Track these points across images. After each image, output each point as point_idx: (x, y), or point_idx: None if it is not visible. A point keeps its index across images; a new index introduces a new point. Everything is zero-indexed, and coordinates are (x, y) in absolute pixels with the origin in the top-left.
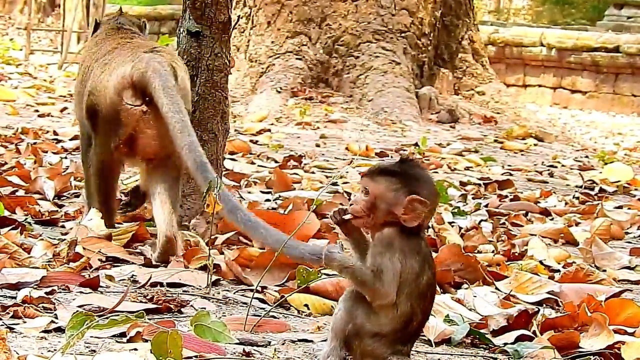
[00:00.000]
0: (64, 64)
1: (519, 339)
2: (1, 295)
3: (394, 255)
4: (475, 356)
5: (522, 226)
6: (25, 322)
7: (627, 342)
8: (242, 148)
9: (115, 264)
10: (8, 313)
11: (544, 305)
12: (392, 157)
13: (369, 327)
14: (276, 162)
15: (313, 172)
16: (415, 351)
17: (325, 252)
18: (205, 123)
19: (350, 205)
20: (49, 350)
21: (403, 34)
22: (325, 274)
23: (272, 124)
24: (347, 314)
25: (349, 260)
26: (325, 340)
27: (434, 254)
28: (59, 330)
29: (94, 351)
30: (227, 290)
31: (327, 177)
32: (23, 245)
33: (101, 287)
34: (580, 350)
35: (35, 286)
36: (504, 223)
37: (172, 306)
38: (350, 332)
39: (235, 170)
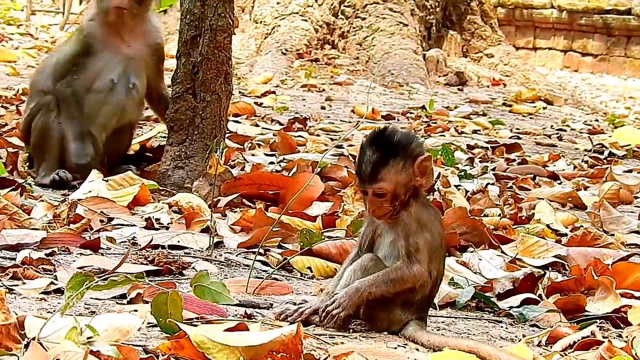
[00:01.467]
0: (65, 24)
1: (525, 302)
2: (1, 257)
3: (424, 228)
4: (480, 319)
5: (529, 190)
6: (24, 283)
7: (633, 305)
8: (246, 110)
9: (116, 226)
10: (7, 274)
11: (550, 268)
12: (398, 120)
13: (400, 297)
14: (281, 124)
15: (318, 135)
16: None
17: (340, 301)
18: (208, 84)
19: (373, 212)
20: (48, 312)
21: None
22: (328, 236)
23: (277, 86)
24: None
25: (368, 277)
26: (295, 304)
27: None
28: (59, 291)
29: (94, 312)
30: (229, 253)
31: (332, 139)
32: (23, 206)
33: (102, 249)
34: (586, 314)
35: (35, 247)
36: (511, 187)
37: (173, 268)
38: (375, 303)
39: (238, 132)
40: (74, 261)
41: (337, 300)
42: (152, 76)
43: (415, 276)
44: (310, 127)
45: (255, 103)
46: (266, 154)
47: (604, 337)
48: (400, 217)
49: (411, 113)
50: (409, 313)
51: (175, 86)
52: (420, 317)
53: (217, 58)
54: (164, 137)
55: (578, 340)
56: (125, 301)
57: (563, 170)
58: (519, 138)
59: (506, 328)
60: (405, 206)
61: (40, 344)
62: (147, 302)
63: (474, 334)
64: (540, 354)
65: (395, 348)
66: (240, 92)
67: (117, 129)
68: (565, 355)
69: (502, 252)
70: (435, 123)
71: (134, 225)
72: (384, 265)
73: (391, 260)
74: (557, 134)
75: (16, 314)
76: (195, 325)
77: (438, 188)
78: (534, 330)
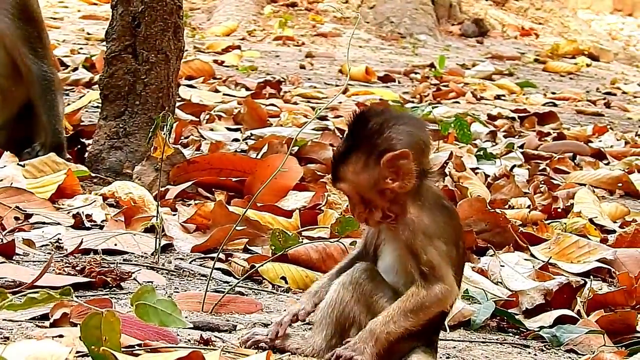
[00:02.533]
0: None
1: (559, 321)
2: None
3: (433, 237)
4: (501, 343)
5: (567, 173)
6: None
7: None
8: (202, 71)
9: (36, 225)
10: None
11: (593, 277)
12: (399, 82)
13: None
14: (248, 89)
15: (296, 103)
16: None
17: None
18: (152, 40)
19: (355, 216)
20: None
21: None
22: (307, 237)
23: (242, 39)
24: (368, 305)
25: (383, 315)
26: (266, 326)
27: None
28: None
29: (7, 338)
30: (181, 259)
31: (313, 109)
32: None
33: (17, 255)
34: (638, 335)
35: None
36: (544, 169)
37: (108, 280)
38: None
39: (193, 100)
40: None
41: (351, 346)
42: (9, 41)
43: (440, 299)
44: (285, 92)
45: (215, 62)
46: (229, 129)
47: None
48: (399, 227)
49: (416, 73)
50: (414, 338)
51: (111, 44)
52: (428, 343)
53: (164, 7)
54: (98, 107)
55: None
56: (47, 324)
57: (611, 147)
58: (554, 105)
59: (535, 355)
60: (402, 211)
61: None
62: (75, 325)
63: None
64: None
65: None
66: (195, 48)
67: (16, 113)
68: None
69: (532, 255)
70: (446, 86)
71: (59, 223)
72: (382, 278)
73: (392, 276)
74: (605, 99)
75: None
76: (137, 355)
77: (450, 172)
78: (570, 357)
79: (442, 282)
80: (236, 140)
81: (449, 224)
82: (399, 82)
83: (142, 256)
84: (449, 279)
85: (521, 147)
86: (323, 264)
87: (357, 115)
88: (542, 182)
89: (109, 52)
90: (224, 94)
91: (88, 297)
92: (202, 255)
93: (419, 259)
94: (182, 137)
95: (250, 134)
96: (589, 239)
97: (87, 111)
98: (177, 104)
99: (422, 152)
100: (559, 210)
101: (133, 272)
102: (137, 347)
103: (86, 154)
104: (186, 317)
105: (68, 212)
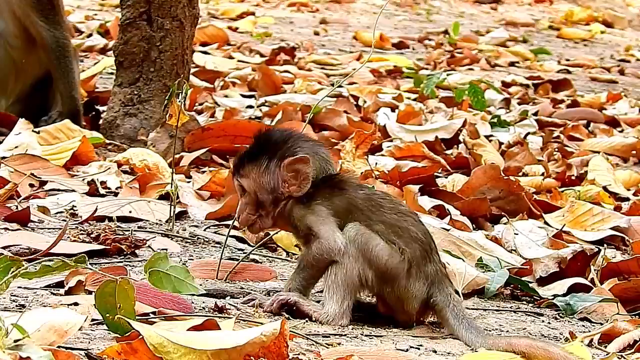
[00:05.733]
0: None
1: (573, 289)
2: None
3: (316, 208)
4: (515, 311)
5: (581, 140)
6: None
7: None
8: (217, 37)
9: (51, 192)
10: None
11: (607, 245)
12: (414, 48)
13: (395, 263)
14: (262, 55)
15: (310, 70)
16: None
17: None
18: (167, 7)
19: (238, 218)
20: None
21: None
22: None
23: (256, 5)
24: (358, 259)
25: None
26: (270, 292)
27: (465, 178)
28: None
29: (23, 306)
30: (196, 226)
31: (328, 75)
32: None
33: (32, 222)
34: None
35: None
36: (558, 137)
37: (123, 247)
38: (373, 281)
39: (207, 67)
40: None
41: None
42: (19, 10)
43: (321, 252)
44: (300, 59)
45: (229, 28)
46: (243, 95)
47: None
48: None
49: (430, 40)
50: (416, 280)
51: (125, 10)
52: (439, 286)
53: None
54: (113, 73)
55: None
56: (62, 291)
57: (625, 114)
58: (568, 72)
59: (549, 323)
60: (285, 214)
61: None
62: (90, 293)
63: (507, 331)
64: (593, 356)
65: (407, 350)
66: (209, 14)
67: (32, 88)
68: (623, 358)
69: (545, 223)
70: (461, 53)
71: (73, 190)
72: (369, 232)
73: None
74: (619, 66)
75: None
76: (152, 323)
77: (464, 139)
78: (584, 326)
79: (319, 238)
80: (250, 107)
81: (339, 195)
82: (413, 49)
83: (156, 223)
84: (326, 233)
85: (535, 114)
86: None
87: (264, 131)
88: (556, 150)
89: (124, 19)
90: (238, 61)
91: (103, 265)
92: (217, 223)
93: (297, 229)
94: (197, 104)
95: (265, 100)
96: (602, 206)
97: (101, 78)
98: (192, 70)
99: (320, 162)
100: (573, 177)
101: (148, 240)
102: (151, 315)
103: (101, 121)
104: (200, 285)
105: (83, 179)
